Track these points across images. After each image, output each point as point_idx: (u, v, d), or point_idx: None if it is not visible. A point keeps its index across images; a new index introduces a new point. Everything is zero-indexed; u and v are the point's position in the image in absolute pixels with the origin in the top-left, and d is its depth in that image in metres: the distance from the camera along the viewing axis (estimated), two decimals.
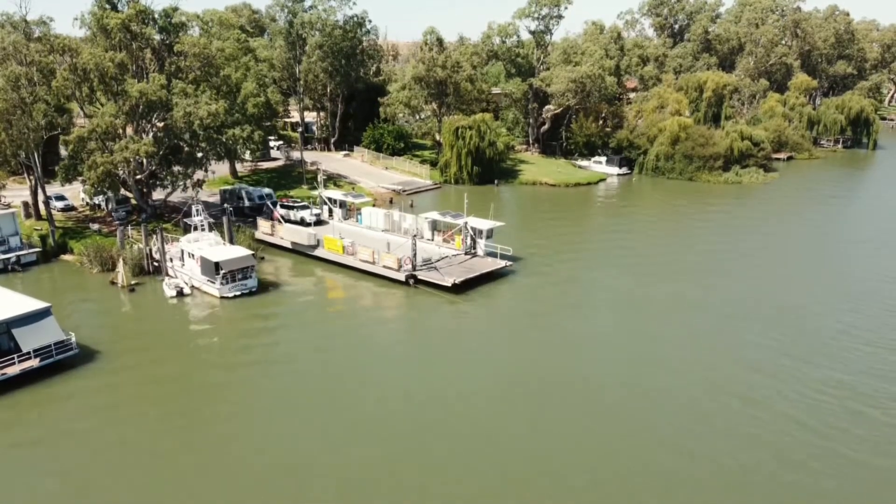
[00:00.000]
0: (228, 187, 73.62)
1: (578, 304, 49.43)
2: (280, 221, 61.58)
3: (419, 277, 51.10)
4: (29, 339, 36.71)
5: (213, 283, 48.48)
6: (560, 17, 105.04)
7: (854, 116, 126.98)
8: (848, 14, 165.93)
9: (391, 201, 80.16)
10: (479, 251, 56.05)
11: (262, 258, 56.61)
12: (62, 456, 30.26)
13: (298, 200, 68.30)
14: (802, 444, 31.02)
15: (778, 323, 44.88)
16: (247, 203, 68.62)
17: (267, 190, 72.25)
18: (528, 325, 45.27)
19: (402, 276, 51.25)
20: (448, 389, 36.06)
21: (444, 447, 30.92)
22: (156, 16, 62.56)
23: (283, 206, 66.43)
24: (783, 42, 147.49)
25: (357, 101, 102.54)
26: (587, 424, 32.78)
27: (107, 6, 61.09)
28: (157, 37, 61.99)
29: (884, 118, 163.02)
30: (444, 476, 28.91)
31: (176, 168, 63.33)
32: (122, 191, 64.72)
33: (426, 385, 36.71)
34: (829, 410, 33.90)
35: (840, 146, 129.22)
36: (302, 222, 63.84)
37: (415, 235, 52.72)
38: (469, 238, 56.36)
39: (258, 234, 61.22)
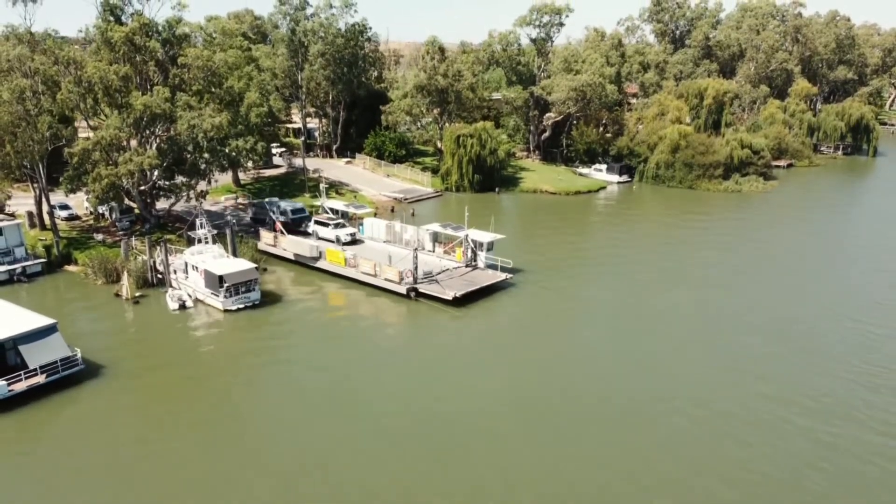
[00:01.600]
0: (261, 199, 71.09)
1: (579, 317, 49.90)
2: (283, 233, 62.05)
3: (420, 290, 51.60)
4: (35, 355, 37.17)
5: (217, 296, 48.99)
6: (561, 24, 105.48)
7: (854, 123, 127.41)
8: (849, 19, 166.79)
9: (393, 209, 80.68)
10: (480, 263, 56.51)
11: (265, 269, 57.10)
12: (67, 473, 30.72)
13: (334, 217, 65.24)
14: (803, 454, 31.55)
15: (778, 335, 45.37)
16: (281, 218, 65.99)
17: (300, 204, 69.49)
18: (529, 338, 45.67)
19: (403, 289, 51.76)
20: (448, 403, 36.48)
21: (444, 458, 31.41)
22: (159, 28, 63.02)
23: (317, 223, 64.28)
24: (784, 48, 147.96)
25: (359, 108, 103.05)
26: (588, 436, 33.24)
27: (111, 19, 61.60)
28: (161, 49, 62.35)
29: (884, 123, 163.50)
30: (443, 485, 29.41)
31: (179, 179, 63.85)
32: (126, 201, 65.21)
33: (427, 399, 37.12)
34: (828, 420, 34.44)
35: (840, 153, 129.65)
36: (337, 241, 61.65)
37: (416, 249, 53.18)
38: (470, 250, 56.83)
39: (261, 246, 61.70)
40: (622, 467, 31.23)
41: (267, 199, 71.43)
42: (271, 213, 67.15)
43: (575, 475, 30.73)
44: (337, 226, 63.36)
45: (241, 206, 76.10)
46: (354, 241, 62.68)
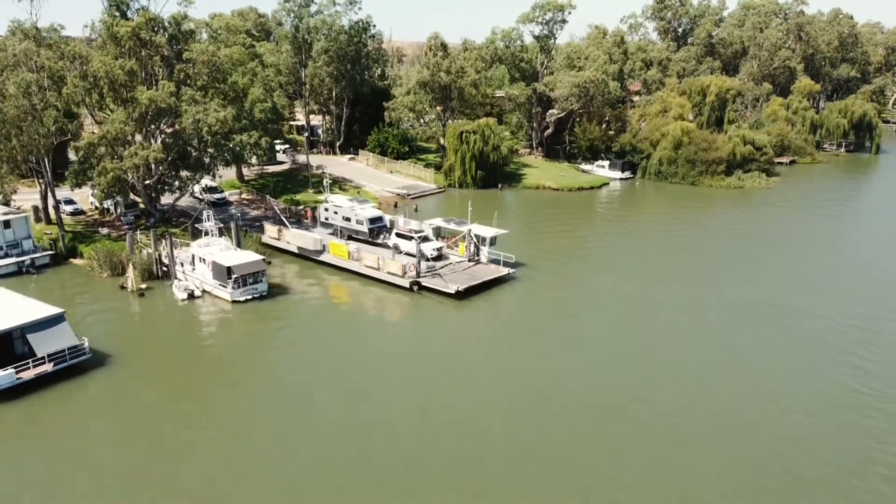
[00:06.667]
0: (328, 202, 63.99)
1: (580, 312, 50.16)
2: (287, 226, 62.33)
3: (423, 284, 51.91)
4: (43, 344, 37.57)
5: (225, 287, 49.38)
6: (564, 21, 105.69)
7: (857, 120, 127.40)
8: (852, 17, 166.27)
9: (396, 205, 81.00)
10: (483, 258, 56.81)
11: (269, 262, 57.39)
12: (74, 459, 31.14)
13: (419, 230, 58.65)
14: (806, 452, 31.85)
15: (780, 327, 45.66)
16: (355, 226, 60.51)
17: (378, 211, 62.66)
18: (531, 332, 46.00)
19: (406, 283, 52.08)
20: (452, 396, 36.89)
21: (444, 456, 31.77)
22: (165, 24, 63.38)
23: (398, 236, 58.16)
24: (787, 45, 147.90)
25: (362, 104, 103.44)
26: (590, 432, 33.55)
27: (116, 14, 61.98)
28: (167, 45, 62.71)
29: (887, 121, 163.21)
30: (444, 483, 29.73)
31: (184, 173, 64.25)
32: (131, 195, 65.61)
33: (431, 392, 37.51)
34: (826, 412, 34.73)
35: (843, 150, 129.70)
36: (421, 256, 54.64)
37: (419, 243, 53.44)
38: (473, 245, 57.11)
39: (265, 239, 61.99)
40: (627, 456, 31.55)
41: (329, 201, 64.21)
42: (274, 206, 67.42)
43: (578, 466, 31.04)
44: (422, 239, 56.82)
45: (243, 201, 76.52)
46: (440, 257, 56.83)
